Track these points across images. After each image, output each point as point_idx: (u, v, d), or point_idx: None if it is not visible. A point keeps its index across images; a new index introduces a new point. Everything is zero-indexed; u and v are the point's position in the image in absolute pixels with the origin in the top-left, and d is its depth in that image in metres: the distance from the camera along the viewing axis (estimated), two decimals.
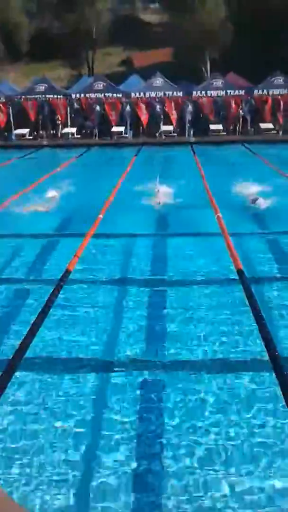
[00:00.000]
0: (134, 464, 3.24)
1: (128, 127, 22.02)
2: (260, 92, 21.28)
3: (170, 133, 21.90)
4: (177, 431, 3.53)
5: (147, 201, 10.27)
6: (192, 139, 21.17)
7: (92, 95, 21.76)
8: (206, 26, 29.35)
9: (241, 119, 21.94)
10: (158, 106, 21.55)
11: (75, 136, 22.19)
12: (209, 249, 7.49)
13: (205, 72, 30.37)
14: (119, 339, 4.96)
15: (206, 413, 3.72)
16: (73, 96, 22.10)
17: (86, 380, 4.22)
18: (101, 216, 8.79)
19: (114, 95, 21.65)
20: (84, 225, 8.24)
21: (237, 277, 5.80)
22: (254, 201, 9.91)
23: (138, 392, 4.03)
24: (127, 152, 18.81)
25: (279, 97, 21.16)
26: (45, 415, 3.74)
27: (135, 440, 3.46)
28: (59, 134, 22.29)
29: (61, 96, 22.09)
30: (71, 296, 5.81)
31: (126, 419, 3.67)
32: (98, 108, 21.79)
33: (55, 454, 3.34)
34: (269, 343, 4.19)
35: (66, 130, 22.13)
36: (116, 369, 4.45)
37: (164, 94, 21.40)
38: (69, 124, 22.31)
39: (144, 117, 21.63)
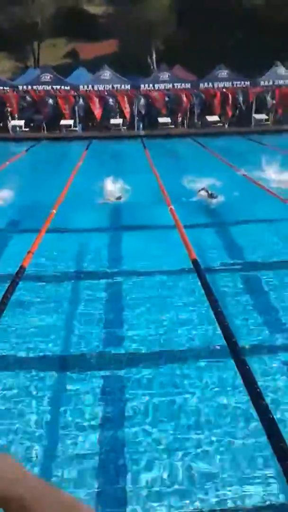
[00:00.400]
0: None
1: (77, 120, 21.78)
2: (206, 85, 21.67)
3: (119, 126, 21.88)
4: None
5: (100, 196, 10.25)
6: (142, 133, 21.28)
7: (40, 87, 21.31)
8: (150, 17, 29.52)
9: (188, 112, 22.34)
10: (111, 100, 21.47)
11: (23, 129, 21.66)
12: (164, 241, 7.59)
13: (152, 64, 30.55)
14: (74, 334, 4.95)
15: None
16: (20, 88, 21.52)
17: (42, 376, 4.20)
18: (54, 211, 8.69)
19: (62, 87, 21.30)
20: (37, 220, 8.12)
21: (192, 267, 5.94)
22: (208, 194, 9.84)
23: (99, 388, 4.05)
24: (78, 146, 18.62)
25: (224, 90, 21.66)
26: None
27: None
28: (10, 127, 21.57)
29: (8, 88, 21.44)
30: (27, 292, 5.73)
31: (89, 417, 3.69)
32: (51, 101, 21.40)
33: None
34: (226, 330, 4.34)
35: (14, 122, 21.54)
36: (72, 365, 4.45)
37: (113, 87, 21.31)
38: (16, 116, 21.73)
39: (97, 111, 21.48)
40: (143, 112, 21.83)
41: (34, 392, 3.92)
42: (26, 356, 4.54)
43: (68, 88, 21.34)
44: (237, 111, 22.70)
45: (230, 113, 22.17)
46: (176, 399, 3.81)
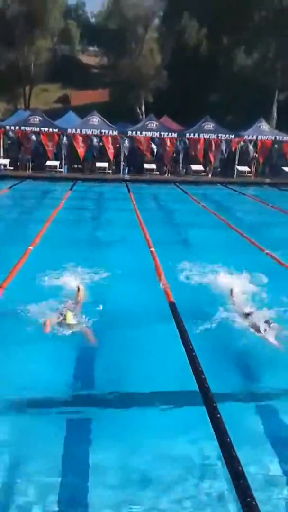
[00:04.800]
0: None
1: (63, 162, 22.05)
2: (192, 135, 22.34)
3: (105, 169, 22.22)
4: None
5: (80, 236, 10.14)
6: (127, 177, 21.59)
7: (28, 129, 21.59)
8: (142, 70, 30.82)
9: (173, 160, 23.00)
10: (95, 140, 21.84)
11: (8, 167, 21.78)
12: (142, 280, 7.37)
13: (140, 114, 31.56)
14: (41, 374, 4.63)
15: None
16: (8, 128, 21.80)
17: None
18: (31, 247, 8.53)
19: (50, 130, 21.65)
20: (13, 256, 7.92)
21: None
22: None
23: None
24: (62, 186, 18.75)
25: (212, 140, 22.33)
26: None
27: None
28: None
29: None
30: None
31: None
32: (34, 137, 21.62)
33: None
34: (199, 375, 4.13)
35: None
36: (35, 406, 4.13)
37: (100, 132, 21.76)
38: (1, 155, 21.91)
39: (81, 149, 21.77)
40: (126, 153, 22.24)
41: None
42: None
43: (56, 130, 21.69)
44: (220, 162, 23.51)
45: (212, 161, 22.80)
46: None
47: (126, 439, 3.65)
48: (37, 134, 21.55)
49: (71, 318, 5.22)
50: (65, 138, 21.66)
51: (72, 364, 4.79)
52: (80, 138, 21.60)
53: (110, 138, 21.72)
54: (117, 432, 3.73)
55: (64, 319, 5.23)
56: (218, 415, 3.53)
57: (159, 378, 4.46)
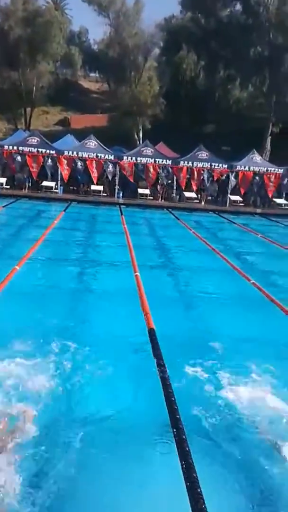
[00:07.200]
0: None
1: (59, 183, 22.33)
2: (186, 163, 22.74)
3: (100, 192, 22.52)
4: None
5: (69, 255, 10.25)
6: (121, 201, 21.87)
7: (26, 149, 21.91)
8: (140, 97, 31.52)
9: (165, 187, 23.38)
10: (79, 163, 22.14)
11: (4, 186, 22.02)
12: (124, 306, 7.44)
13: (137, 140, 32.12)
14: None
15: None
16: (6, 147, 22.12)
17: None
18: (17, 267, 8.58)
19: (47, 151, 22.00)
20: None
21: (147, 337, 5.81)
22: None
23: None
24: (56, 206, 18.96)
25: (194, 168, 22.69)
26: None
27: None
28: None
29: None
30: None
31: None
32: (19, 158, 21.84)
33: None
34: (172, 404, 4.16)
35: None
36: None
37: (97, 156, 22.14)
38: None
39: (65, 172, 22.08)
40: (110, 177, 22.61)
41: None
42: None
43: (53, 152, 22.05)
44: (215, 191, 23.95)
45: (195, 188, 23.13)
46: None
47: None
48: (22, 155, 21.83)
49: None
50: (49, 160, 21.97)
51: None
52: (65, 161, 21.95)
53: (94, 162, 22.10)
54: None
55: None
56: None
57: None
